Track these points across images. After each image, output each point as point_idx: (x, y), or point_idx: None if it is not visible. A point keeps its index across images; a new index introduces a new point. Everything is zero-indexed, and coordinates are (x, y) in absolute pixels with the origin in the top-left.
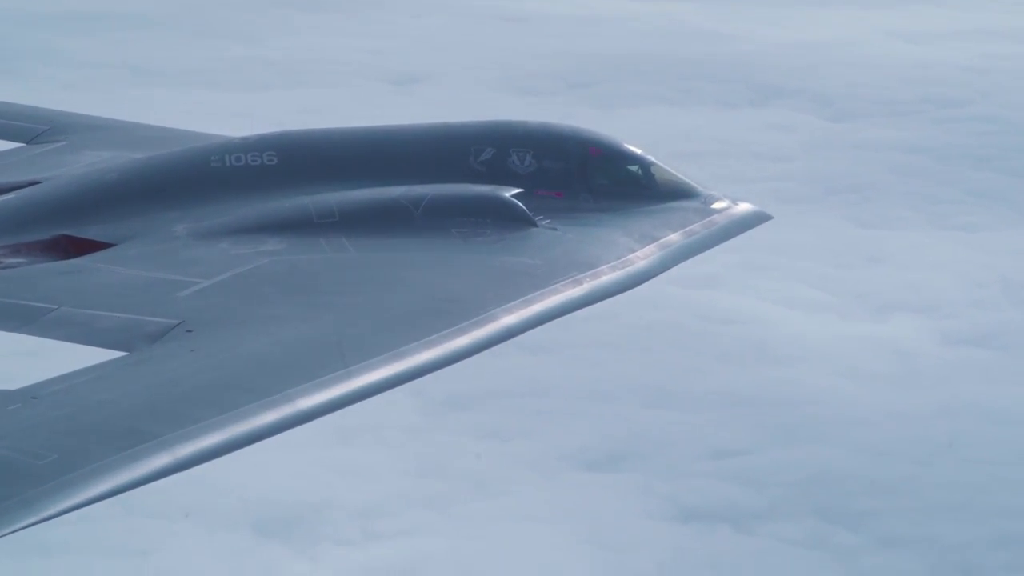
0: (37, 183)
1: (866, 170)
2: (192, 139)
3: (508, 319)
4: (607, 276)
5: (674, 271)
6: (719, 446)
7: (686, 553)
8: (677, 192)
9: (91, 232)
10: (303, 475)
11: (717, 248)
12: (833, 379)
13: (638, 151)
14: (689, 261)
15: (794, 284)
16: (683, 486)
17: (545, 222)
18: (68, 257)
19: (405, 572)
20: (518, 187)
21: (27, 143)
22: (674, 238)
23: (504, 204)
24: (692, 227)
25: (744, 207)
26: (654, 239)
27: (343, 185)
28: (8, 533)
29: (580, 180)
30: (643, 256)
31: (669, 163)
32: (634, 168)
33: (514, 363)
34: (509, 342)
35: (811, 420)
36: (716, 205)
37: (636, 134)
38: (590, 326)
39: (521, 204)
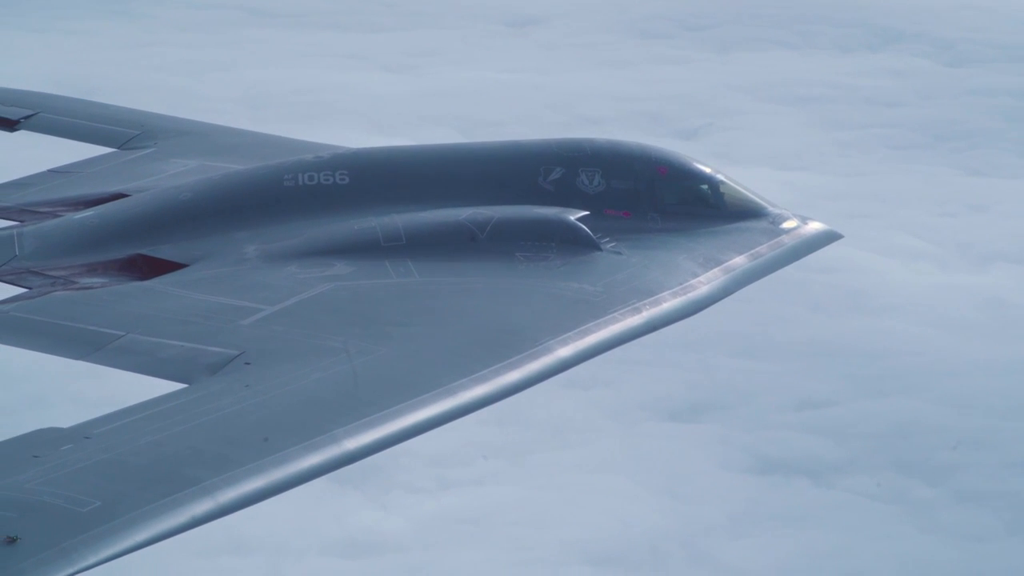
0: (123, 195)
1: (978, 116)
2: (278, 145)
3: (562, 351)
4: (667, 303)
5: None
6: (804, 397)
7: (760, 505)
8: (746, 211)
9: (165, 252)
10: None
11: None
12: (927, 329)
13: (707, 169)
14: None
15: (895, 232)
16: (763, 437)
17: (610, 245)
18: (143, 276)
19: (475, 522)
20: (586, 207)
21: (119, 148)
22: (739, 261)
23: (569, 228)
24: (759, 249)
25: (814, 226)
26: (719, 262)
27: (414, 205)
28: None
29: (648, 200)
30: (706, 281)
31: (738, 181)
32: (703, 187)
33: None
34: None
35: (900, 371)
36: (785, 225)
37: (751, 78)
38: None
39: (586, 227)
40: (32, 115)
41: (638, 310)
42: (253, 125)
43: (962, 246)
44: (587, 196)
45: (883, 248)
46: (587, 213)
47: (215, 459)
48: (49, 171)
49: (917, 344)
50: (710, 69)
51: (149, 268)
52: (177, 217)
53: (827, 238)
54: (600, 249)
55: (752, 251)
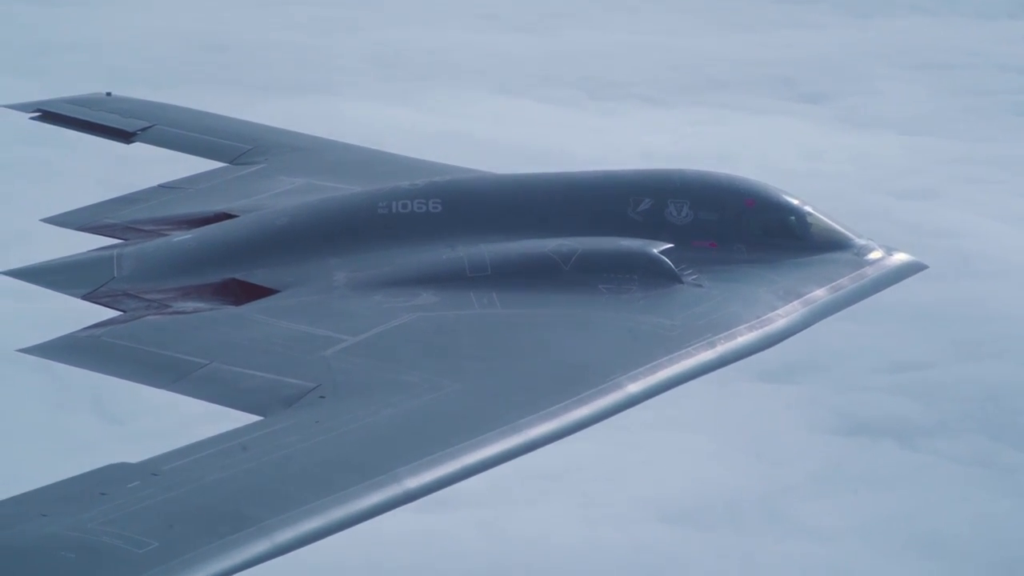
0: (226, 215)
1: None
2: (387, 162)
3: (631, 387)
4: (743, 337)
5: None
6: (899, 359)
7: (843, 466)
8: (832, 243)
9: (258, 277)
10: None
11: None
12: None
13: (795, 201)
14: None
15: (1015, 199)
16: (854, 399)
17: (692, 278)
18: (237, 301)
19: (554, 478)
20: (674, 238)
21: (231, 163)
22: (819, 294)
23: (651, 261)
24: (840, 281)
25: (899, 257)
26: (799, 295)
27: (505, 235)
28: None
29: (735, 231)
30: (784, 314)
31: (825, 213)
32: (790, 218)
33: None
34: None
35: (1000, 337)
36: (870, 256)
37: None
38: None
39: (668, 260)
40: (149, 127)
41: (712, 344)
42: (380, 83)
43: None
44: (675, 227)
45: (1000, 214)
46: (671, 246)
47: (276, 498)
48: (159, 186)
49: (1021, 310)
50: (846, 34)
51: (243, 293)
52: (272, 242)
53: (911, 269)
54: (682, 282)
55: (833, 283)
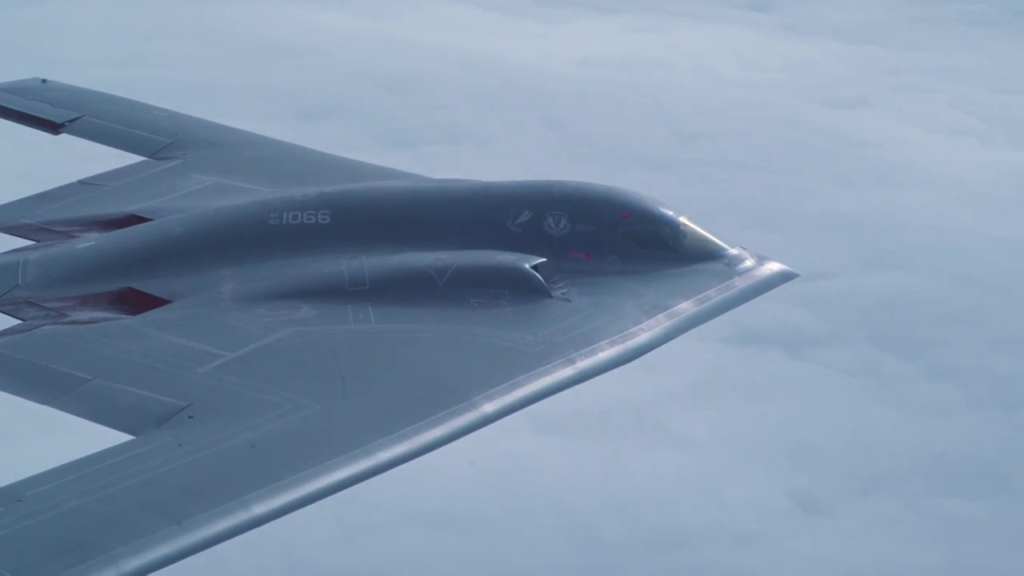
0: (135, 217)
1: None
2: (305, 160)
3: (487, 407)
4: (603, 353)
5: None
6: (805, 269)
7: (725, 375)
8: (704, 253)
9: (153, 286)
10: None
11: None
12: (952, 205)
13: (669, 212)
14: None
15: (947, 109)
16: (748, 309)
17: (561, 292)
18: (132, 310)
19: None
20: (551, 249)
21: (151, 156)
22: (684, 307)
23: (522, 276)
24: (707, 292)
25: (770, 267)
26: (664, 308)
27: (390, 246)
28: None
29: (609, 243)
30: (647, 328)
31: (698, 222)
32: (663, 230)
33: None
34: None
35: (910, 247)
36: (741, 266)
37: None
38: (717, 143)
39: (538, 275)
40: (77, 118)
41: (572, 361)
42: None
43: (1011, 122)
44: (552, 239)
45: (930, 124)
46: (544, 260)
47: (126, 526)
48: (79, 182)
49: (937, 219)
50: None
51: (138, 302)
52: (168, 252)
53: (780, 278)
54: (551, 296)
55: (700, 295)
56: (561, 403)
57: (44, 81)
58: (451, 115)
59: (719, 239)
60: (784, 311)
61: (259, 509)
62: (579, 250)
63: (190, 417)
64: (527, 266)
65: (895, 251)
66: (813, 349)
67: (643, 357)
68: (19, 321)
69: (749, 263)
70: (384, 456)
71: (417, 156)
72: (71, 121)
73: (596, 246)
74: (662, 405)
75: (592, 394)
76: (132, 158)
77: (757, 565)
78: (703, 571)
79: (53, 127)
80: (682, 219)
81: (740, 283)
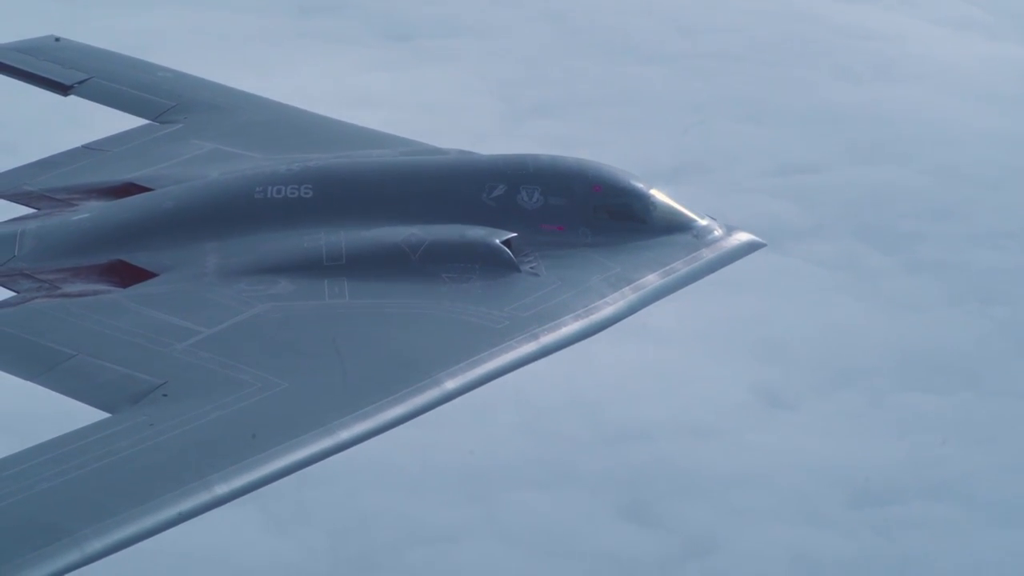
0: (132, 185)
1: None
2: (302, 124)
3: (449, 384)
4: (567, 328)
5: None
6: (790, 161)
7: None
8: (673, 224)
9: (141, 259)
10: None
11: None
12: (949, 99)
13: (639, 185)
14: None
15: (954, 1)
16: (735, 201)
17: (530, 266)
18: (123, 282)
19: None
20: (525, 222)
21: (154, 119)
22: (650, 279)
23: (491, 251)
24: (674, 264)
25: (739, 237)
26: (630, 281)
27: (369, 220)
28: None
29: (581, 216)
30: (612, 302)
31: (669, 194)
32: (633, 203)
33: None
34: None
35: (903, 140)
36: (709, 237)
37: None
38: (715, 37)
39: (507, 250)
40: (86, 80)
41: (535, 336)
42: None
43: (1018, 15)
44: (525, 212)
45: (935, 16)
46: (515, 235)
47: (93, 507)
48: (83, 147)
49: (933, 113)
50: None
51: (127, 274)
52: (157, 225)
53: (748, 248)
54: (519, 271)
55: (666, 267)
56: None
57: (57, 40)
58: (451, 8)
59: (689, 210)
60: (768, 203)
61: (221, 489)
62: (551, 222)
63: (164, 395)
64: (497, 241)
65: (888, 144)
66: (795, 242)
67: None
68: (13, 294)
69: (718, 233)
70: (345, 435)
71: (415, 49)
72: (80, 83)
73: (568, 219)
74: None
75: None
76: (137, 121)
77: (714, 458)
78: (657, 464)
79: (62, 89)
80: (653, 191)
81: (707, 254)
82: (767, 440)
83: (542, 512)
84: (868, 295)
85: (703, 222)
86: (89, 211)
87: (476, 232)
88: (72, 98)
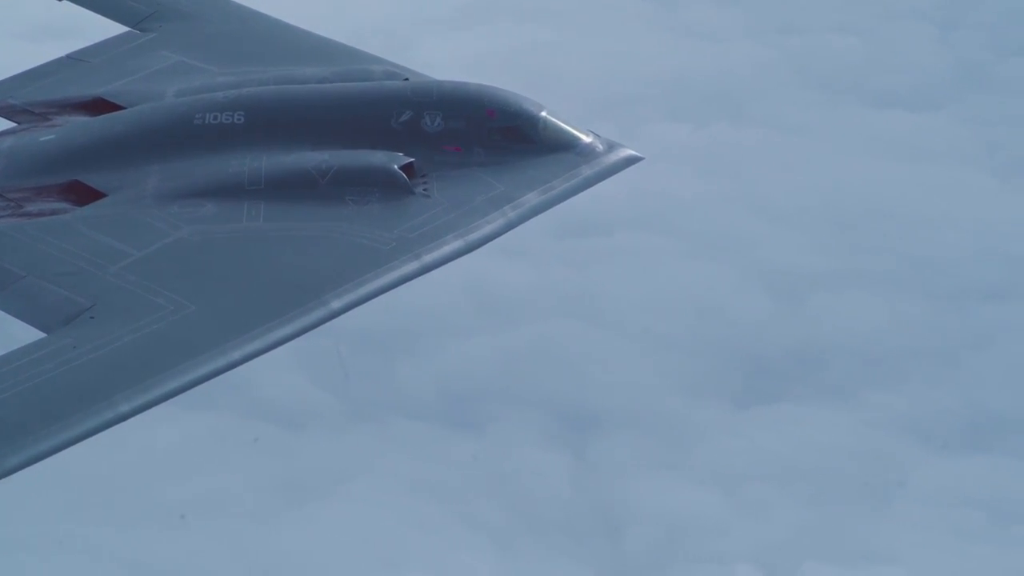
0: (99, 100)
1: None
2: (272, 33)
3: (335, 304)
4: (447, 247)
5: None
6: None
7: None
8: (560, 143)
9: (94, 180)
10: None
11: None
12: None
13: (530, 109)
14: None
15: None
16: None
17: (422, 189)
18: (78, 200)
19: None
20: (427, 145)
21: (133, 27)
22: (529, 198)
23: (388, 175)
24: (553, 182)
25: (620, 153)
26: (510, 200)
27: (292, 146)
28: None
29: (476, 138)
30: (491, 220)
31: (559, 116)
32: (524, 124)
33: None
34: None
35: None
36: (590, 154)
37: None
38: None
39: (403, 174)
40: None
41: (418, 256)
42: None
43: None
44: (428, 135)
45: None
46: (412, 160)
47: (12, 427)
48: (67, 56)
49: None
50: None
51: (83, 193)
52: (110, 147)
53: (626, 163)
54: (413, 193)
55: (546, 185)
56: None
57: None
58: None
59: (576, 130)
60: None
61: (124, 407)
62: (450, 144)
63: (91, 317)
64: (395, 166)
65: None
66: None
67: None
68: None
69: (599, 149)
70: (236, 354)
71: None
72: None
73: (465, 140)
74: None
75: None
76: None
77: None
78: None
79: None
80: (543, 114)
81: (586, 170)
82: None
83: None
84: (672, 26)
85: (587, 139)
86: (55, 132)
87: (378, 157)
88: (65, 3)
